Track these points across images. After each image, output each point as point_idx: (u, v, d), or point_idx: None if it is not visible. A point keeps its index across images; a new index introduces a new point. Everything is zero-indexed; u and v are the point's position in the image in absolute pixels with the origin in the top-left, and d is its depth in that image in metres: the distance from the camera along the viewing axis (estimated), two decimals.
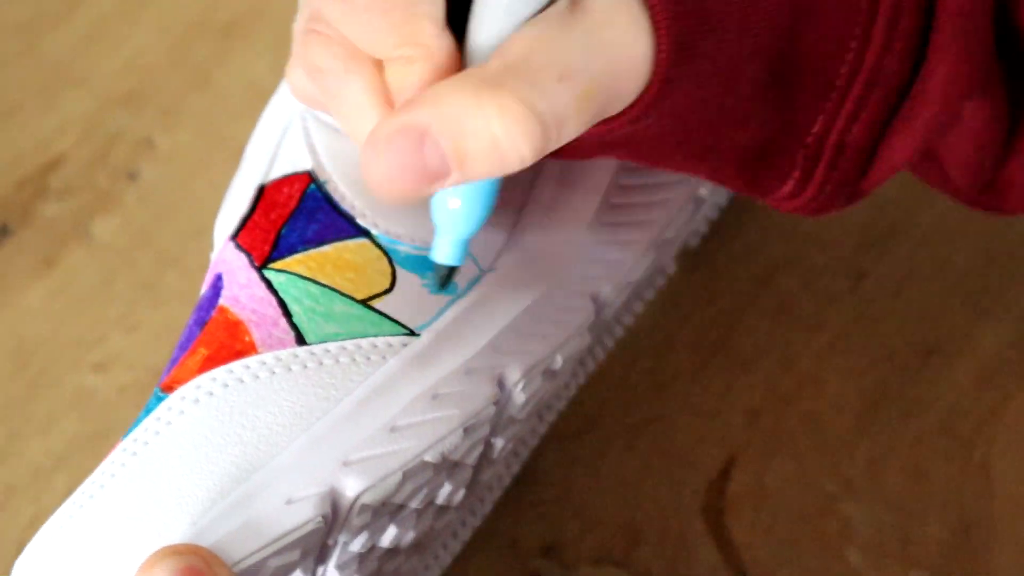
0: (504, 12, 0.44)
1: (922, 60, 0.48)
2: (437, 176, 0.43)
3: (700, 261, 0.66)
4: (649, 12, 0.44)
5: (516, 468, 0.59)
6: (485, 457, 0.53)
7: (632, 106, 0.45)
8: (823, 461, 0.61)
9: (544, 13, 0.44)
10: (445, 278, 0.48)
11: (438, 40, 0.44)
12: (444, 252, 0.47)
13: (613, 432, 0.62)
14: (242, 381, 0.48)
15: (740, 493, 0.61)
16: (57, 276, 0.66)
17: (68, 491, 0.49)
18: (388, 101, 0.45)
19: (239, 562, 0.45)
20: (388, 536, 0.50)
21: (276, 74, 0.61)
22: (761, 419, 0.62)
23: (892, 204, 0.67)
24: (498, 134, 0.43)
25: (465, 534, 0.58)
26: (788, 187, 0.50)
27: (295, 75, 0.48)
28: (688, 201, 0.58)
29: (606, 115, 0.45)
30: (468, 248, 0.48)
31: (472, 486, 0.53)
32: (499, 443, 0.52)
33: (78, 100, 0.71)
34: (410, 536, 0.50)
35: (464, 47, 0.45)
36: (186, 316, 0.57)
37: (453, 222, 0.46)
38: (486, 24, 0.44)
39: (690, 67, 0.45)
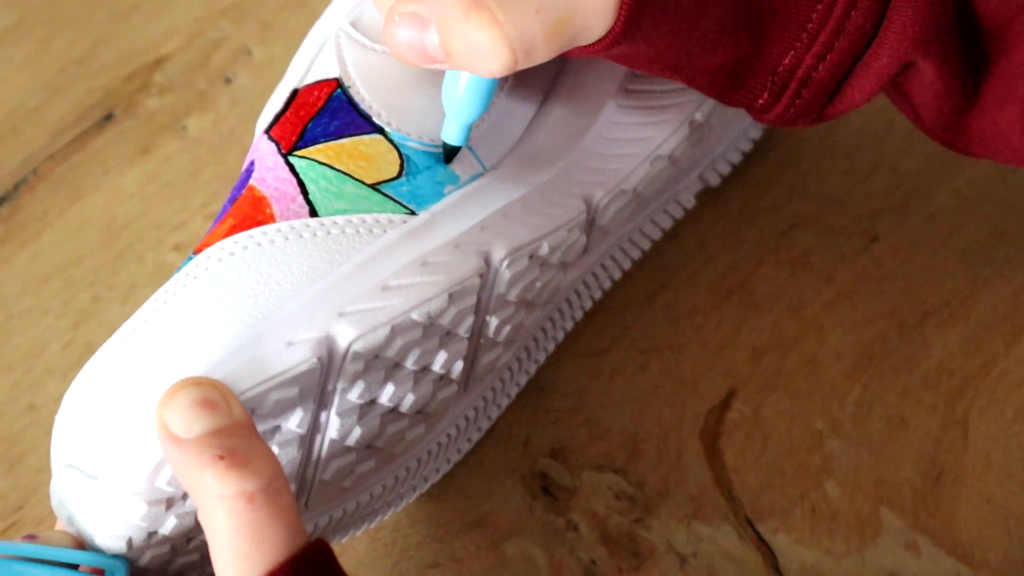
0: None
1: (883, 17, 0.55)
2: (435, 59, 0.53)
3: (729, 210, 0.72)
4: None
5: (532, 369, 0.66)
6: (481, 335, 0.59)
7: (603, 38, 0.53)
8: (816, 401, 0.67)
9: None
10: (450, 155, 0.58)
11: None
12: (450, 133, 0.58)
13: (628, 354, 0.68)
14: (260, 245, 0.55)
15: (737, 421, 0.67)
16: (151, 163, 0.73)
17: None
18: None
19: (243, 392, 0.52)
20: (386, 393, 0.57)
21: None
22: (765, 357, 0.68)
23: (912, 175, 0.73)
24: (475, 44, 0.52)
25: (480, 423, 0.64)
26: (758, 103, 0.58)
27: None
28: (683, 123, 0.64)
29: (575, 45, 0.53)
30: (469, 132, 0.58)
31: (474, 364, 0.60)
32: (493, 322, 0.59)
33: (188, 7, 0.78)
34: (410, 399, 0.57)
35: None
36: None
37: (457, 108, 0.56)
38: None
39: (653, 7, 0.53)
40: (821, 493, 0.65)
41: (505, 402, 0.65)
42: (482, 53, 0.52)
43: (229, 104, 0.75)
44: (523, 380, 0.66)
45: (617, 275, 0.68)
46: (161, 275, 0.70)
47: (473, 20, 0.52)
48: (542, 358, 0.66)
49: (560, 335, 0.66)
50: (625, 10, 0.53)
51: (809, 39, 0.55)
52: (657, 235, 0.68)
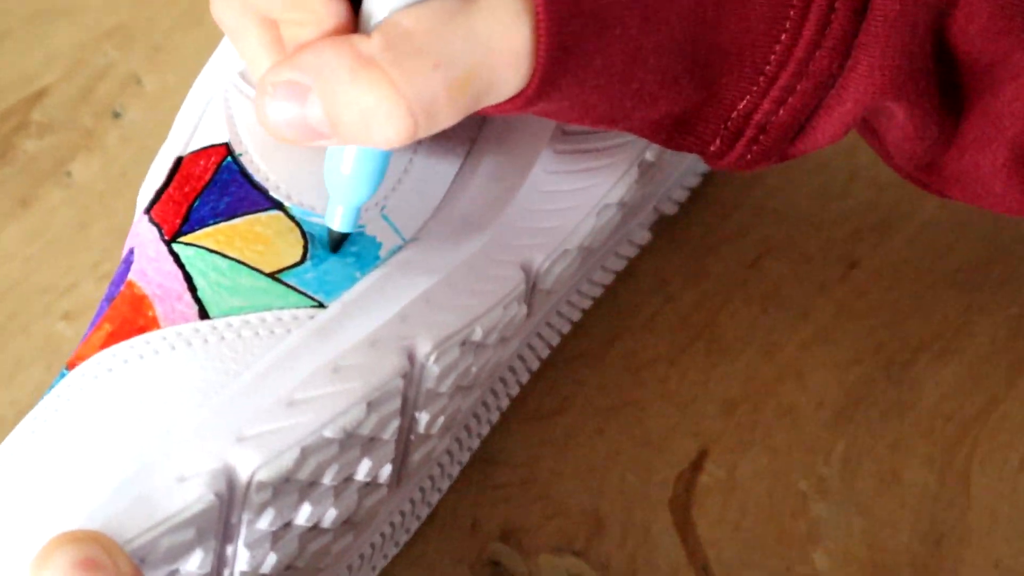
0: None
1: (848, 57, 0.48)
2: (319, 133, 0.45)
3: (690, 240, 0.64)
4: (533, 10, 0.44)
5: (475, 444, 0.58)
6: (411, 432, 0.52)
7: (518, 96, 0.45)
8: (797, 458, 0.60)
9: None
10: (337, 243, 0.50)
11: (326, 8, 0.44)
12: (335, 218, 0.49)
13: (584, 415, 0.61)
14: (142, 357, 0.47)
15: (710, 486, 0.60)
16: (32, 218, 0.65)
17: None
18: (281, 51, 0.46)
19: (130, 540, 0.44)
20: (303, 514, 0.49)
21: None
22: (738, 410, 0.61)
23: (894, 188, 0.66)
24: (365, 110, 0.44)
25: (419, 512, 0.57)
26: (710, 150, 0.50)
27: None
28: (632, 165, 0.56)
29: (484, 104, 0.45)
30: (359, 216, 0.49)
31: (404, 463, 0.52)
32: (424, 418, 0.51)
33: (66, 32, 0.69)
34: (332, 514, 0.49)
35: (360, 14, 0.45)
36: None
37: (343, 190, 0.48)
38: None
39: (575, 63, 0.45)
40: (809, 566, 0.58)
41: (446, 484, 0.58)
42: (375, 120, 0.44)
43: (119, 142, 0.67)
44: (466, 458, 0.58)
45: (566, 329, 0.60)
46: (50, 348, 0.62)
47: (362, 81, 0.43)
48: (486, 431, 0.59)
49: (505, 403, 0.59)
50: (542, 64, 0.44)
51: (767, 82, 0.47)
52: (609, 280, 0.61)
